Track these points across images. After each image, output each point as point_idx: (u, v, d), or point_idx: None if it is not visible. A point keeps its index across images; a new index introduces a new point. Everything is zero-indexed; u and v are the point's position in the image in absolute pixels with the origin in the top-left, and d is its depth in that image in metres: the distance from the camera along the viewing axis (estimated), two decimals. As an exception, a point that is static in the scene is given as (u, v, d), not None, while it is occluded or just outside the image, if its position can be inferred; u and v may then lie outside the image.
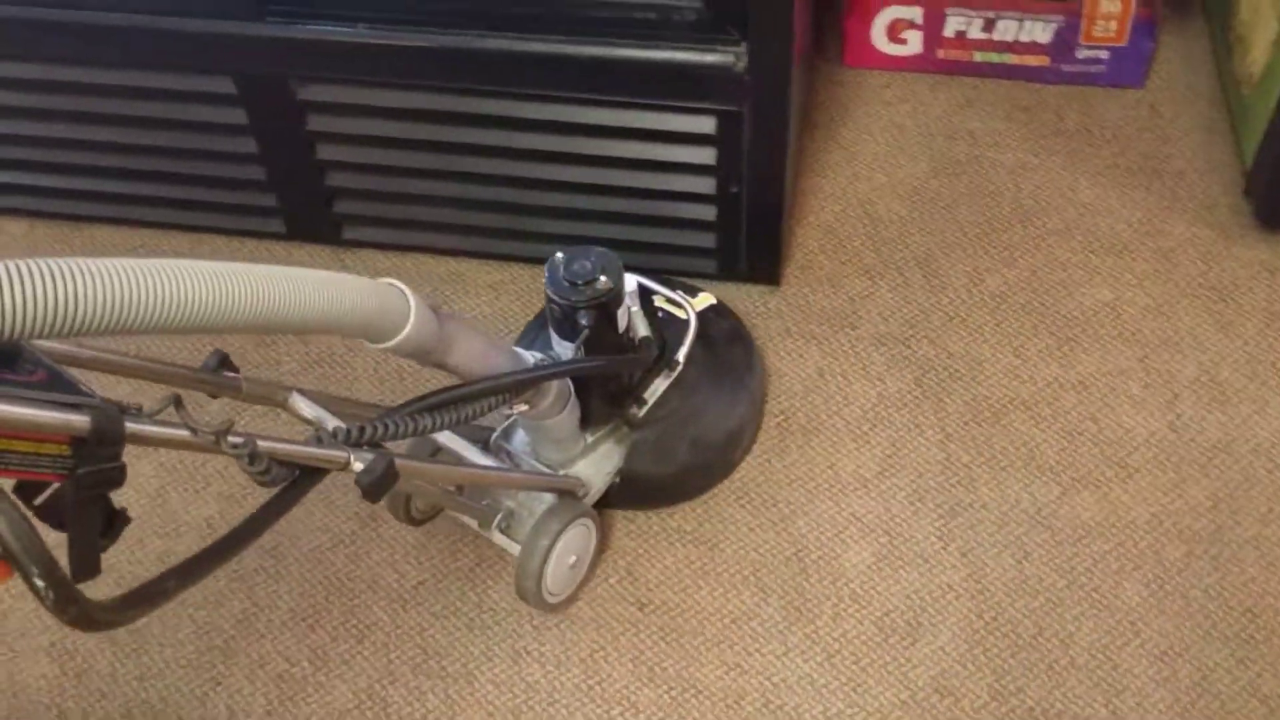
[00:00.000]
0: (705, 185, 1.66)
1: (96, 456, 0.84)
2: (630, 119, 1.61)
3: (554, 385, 1.37)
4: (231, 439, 0.93)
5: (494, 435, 1.53)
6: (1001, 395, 1.65)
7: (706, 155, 1.62)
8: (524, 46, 1.54)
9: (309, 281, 0.95)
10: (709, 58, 1.51)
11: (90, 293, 0.75)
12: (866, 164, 1.91)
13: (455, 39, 1.55)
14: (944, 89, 1.99)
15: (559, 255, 1.37)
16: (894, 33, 1.96)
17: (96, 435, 0.82)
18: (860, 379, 1.68)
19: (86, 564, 0.87)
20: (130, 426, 0.86)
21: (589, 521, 1.47)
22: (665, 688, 1.44)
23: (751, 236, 1.72)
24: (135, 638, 1.50)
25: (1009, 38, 1.93)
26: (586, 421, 1.49)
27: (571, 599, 1.50)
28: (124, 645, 1.50)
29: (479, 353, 1.23)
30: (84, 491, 0.85)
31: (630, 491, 1.55)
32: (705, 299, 1.65)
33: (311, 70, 1.64)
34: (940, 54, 1.98)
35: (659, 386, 1.54)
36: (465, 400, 1.19)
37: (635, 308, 1.49)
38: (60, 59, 1.69)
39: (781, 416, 1.65)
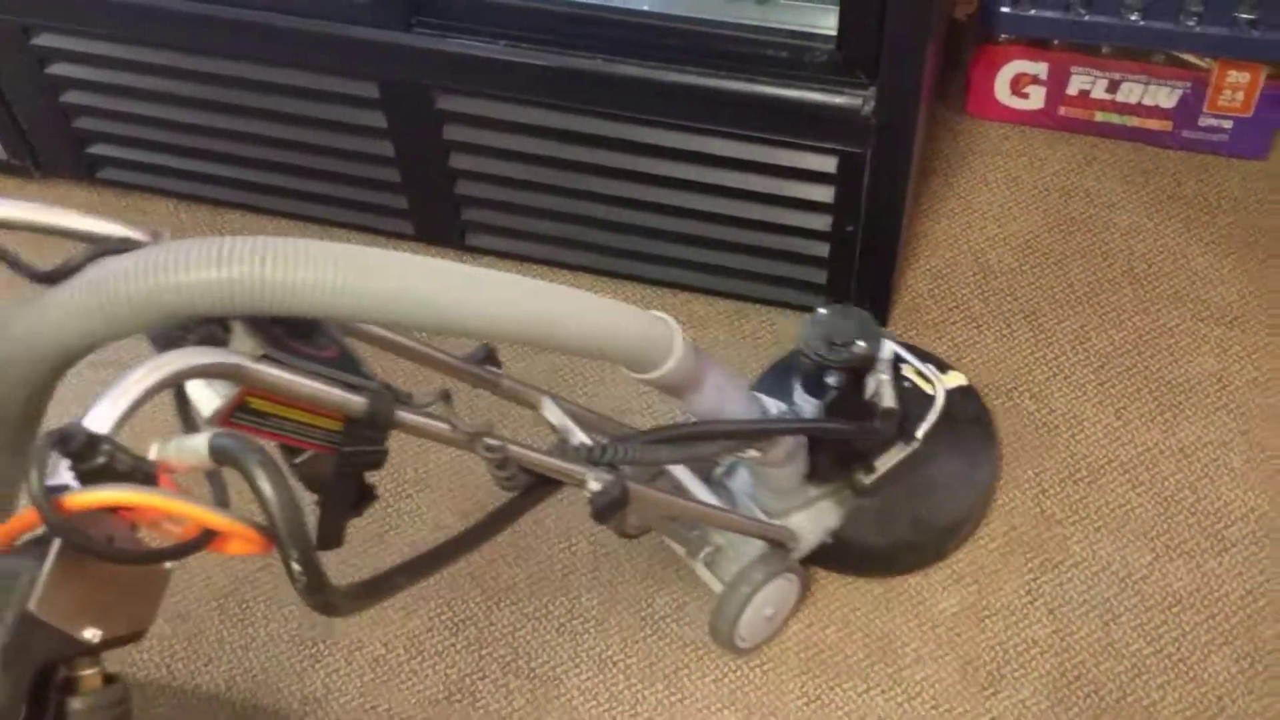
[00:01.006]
0: (822, 222, 1.63)
1: (365, 438, 0.86)
2: (754, 153, 1.58)
3: (788, 437, 1.32)
4: (488, 440, 0.94)
5: (718, 470, 1.47)
6: (1100, 456, 1.59)
7: (826, 194, 1.59)
8: (657, 75, 1.52)
9: (588, 304, 0.97)
10: (837, 99, 1.47)
11: (397, 289, 0.79)
12: (980, 214, 1.86)
13: (590, 62, 1.54)
14: (1063, 146, 1.93)
15: (821, 311, 1.33)
16: (1017, 86, 1.91)
17: (370, 418, 0.85)
18: (959, 426, 1.63)
19: (332, 535, 0.90)
20: (400, 415, 0.88)
21: (794, 576, 1.40)
22: (746, 712, 1.40)
23: (862, 276, 1.68)
24: (244, 609, 1.50)
25: (1133, 100, 1.86)
26: (812, 476, 1.42)
27: (759, 648, 1.45)
28: (232, 614, 1.50)
29: (723, 396, 1.19)
30: (347, 467, 0.87)
31: (840, 555, 1.47)
32: (956, 378, 1.58)
33: (451, 82, 1.63)
34: (1062, 111, 1.91)
35: (893, 458, 1.46)
36: (704, 438, 1.20)
37: (886, 376, 1.38)
38: (221, 53, 1.71)
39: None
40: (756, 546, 1.37)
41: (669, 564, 1.51)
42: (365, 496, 0.92)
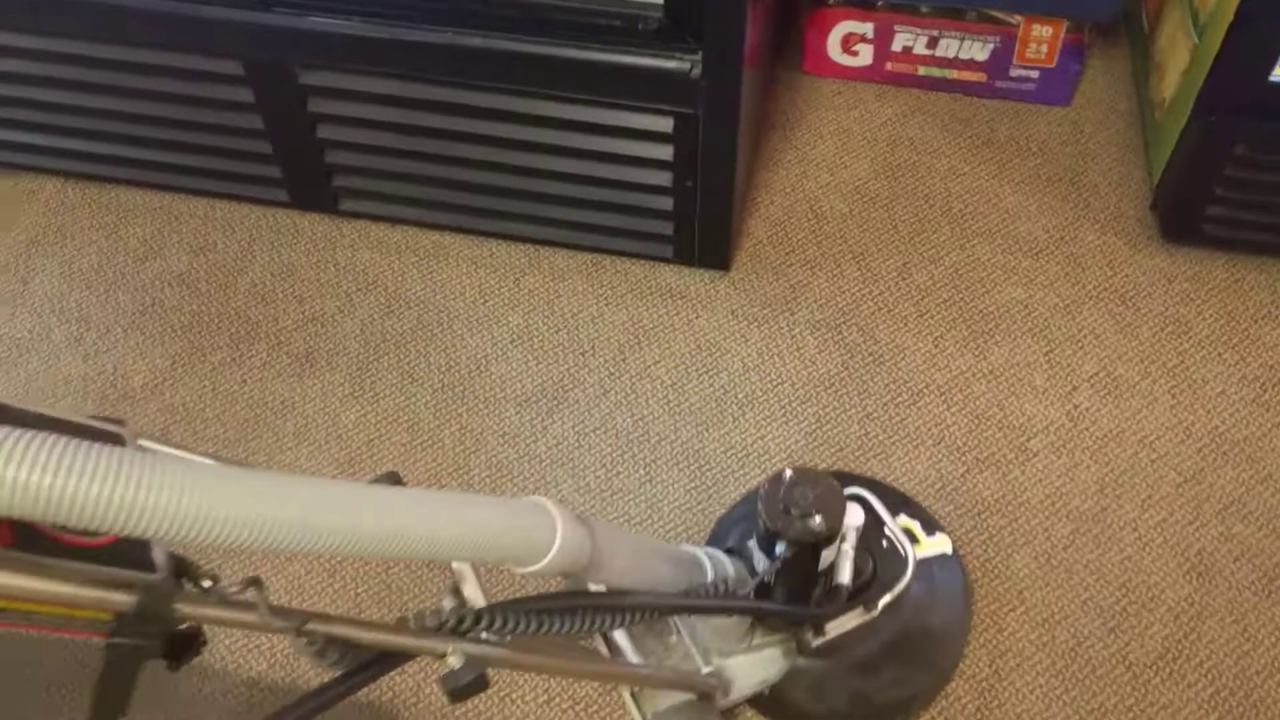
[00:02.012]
0: (663, 178, 1.69)
1: (137, 632, 0.74)
2: (597, 115, 1.63)
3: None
4: (308, 628, 0.81)
5: None
6: (919, 381, 1.68)
7: (665, 152, 1.65)
8: (502, 45, 1.56)
9: (449, 507, 0.82)
10: (668, 64, 1.53)
11: (213, 509, 0.64)
12: (815, 164, 1.93)
13: (439, 35, 1.57)
14: (890, 99, 2.01)
15: (788, 473, 1.16)
16: (847, 45, 1.98)
17: (139, 614, 0.73)
18: (794, 359, 1.71)
19: None
20: (184, 609, 0.76)
21: None
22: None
23: (704, 226, 1.75)
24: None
25: (950, 54, 1.94)
26: (758, 623, 1.29)
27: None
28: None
29: (638, 565, 1.05)
30: (117, 660, 0.76)
31: (774, 710, 1.36)
32: (940, 544, 1.44)
33: (312, 58, 1.66)
34: (888, 66, 1.99)
35: (847, 623, 1.30)
36: (602, 610, 1.01)
37: (849, 546, 1.22)
38: (91, 36, 1.71)
39: (723, 390, 1.68)
40: (683, 693, 1.25)
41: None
42: (186, 649, 0.80)
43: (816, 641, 1.29)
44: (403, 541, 0.77)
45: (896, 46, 1.96)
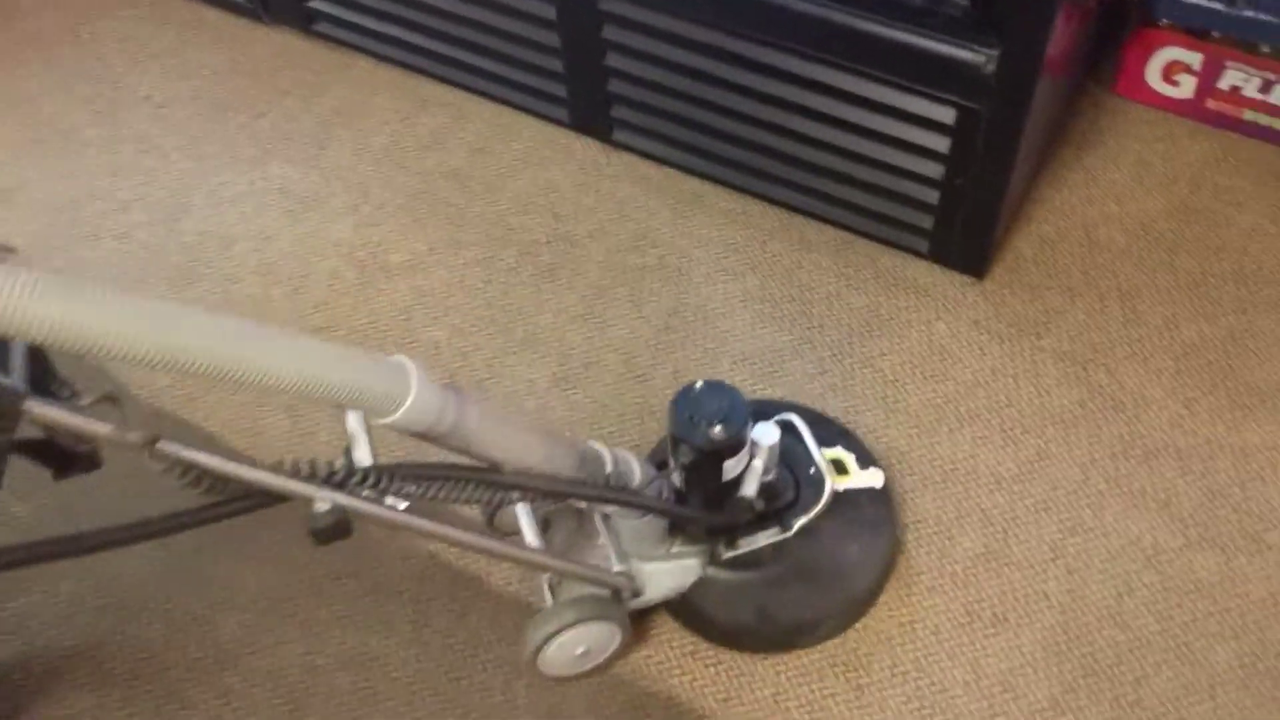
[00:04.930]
0: (934, 171, 1.56)
1: None
2: (881, 94, 1.52)
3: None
4: (159, 448, 0.82)
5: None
6: (1158, 439, 1.50)
7: (941, 144, 1.52)
8: (801, 7, 1.48)
9: (309, 348, 0.84)
10: (962, 54, 1.40)
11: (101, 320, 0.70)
12: (1103, 190, 1.75)
13: (743, -14, 1.51)
14: (1203, 138, 1.79)
15: (698, 384, 1.16)
16: (1169, 73, 1.78)
17: None
18: (1029, 385, 1.56)
19: None
20: (34, 409, 0.78)
21: (617, 628, 1.28)
22: None
23: (967, 228, 1.62)
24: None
25: (1284, 103, 1.72)
26: (679, 533, 1.30)
27: (571, 680, 1.35)
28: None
29: (518, 443, 1.05)
30: None
31: (685, 616, 1.37)
32: (871, 478, 1.38)
33: (616, -15, 1.63)
34: (1209, 104, 1.78)
35: (760, 539, 1.30)
36: (475, 483, 1.03)
37: (758, 463, 1.22)
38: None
39: (944, 398, 1.56)
40: (599, 587, 1.26)
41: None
42: (73, 464, 0.83)
43: (728, 554, 1.30)
44: (262, 367, 0.79)
45: (1224, 84, 1.74)
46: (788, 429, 1.33)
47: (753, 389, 1.58)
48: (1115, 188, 1.75)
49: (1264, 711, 1.29)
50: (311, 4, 2.00)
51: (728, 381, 1.17)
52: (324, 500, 0.92)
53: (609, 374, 1.61)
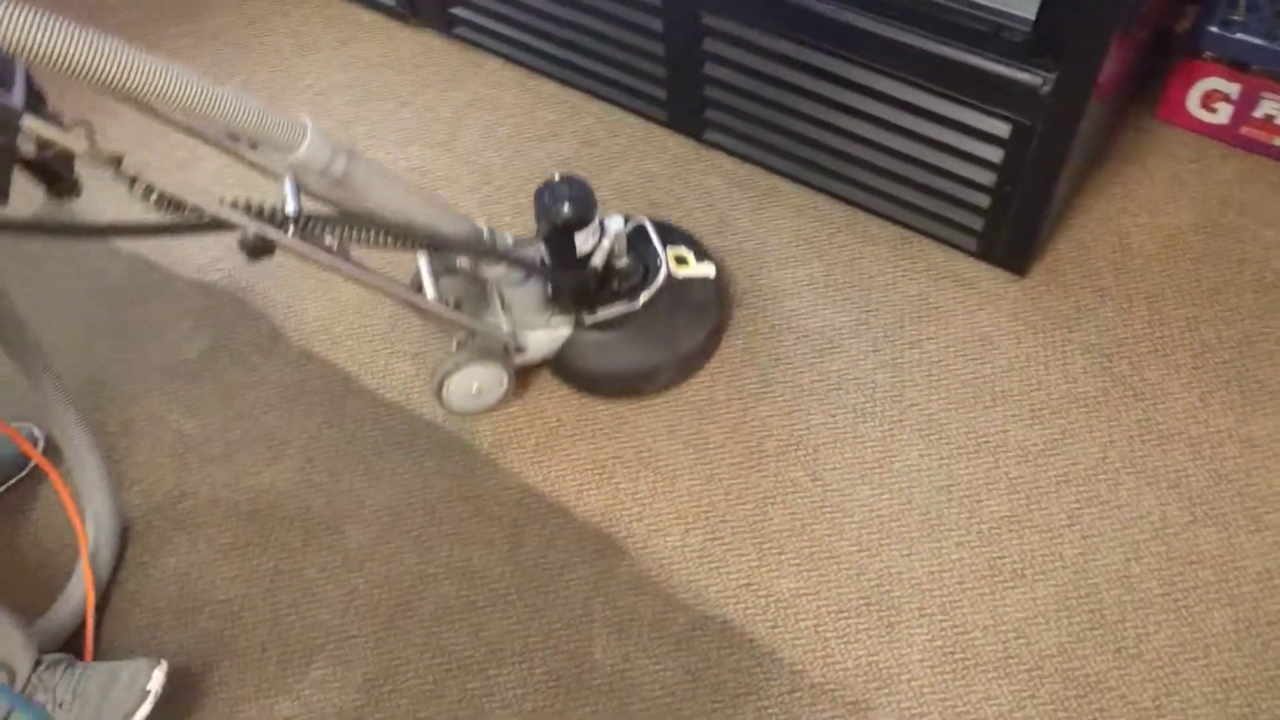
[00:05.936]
0: (986, 178, 1.56)
1: None
2: (943, 107, 1.52)
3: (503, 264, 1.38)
4: (126, 171, 0.95)
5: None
6: (1173, 426, 1.49)
7: (994, 154, 1.52)
8: (884, 31, 1.48)
9: (236, 94, 0.97)
10: (1020, 75, 1.40)
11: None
12: (1138, 202, 1.73)
13: (835, 11, 1.51)
14: (1235, 161, 1.75)
15: (557, 175, 1.40)
16: (1207, 101, 1.74)
17: None
18: (1058, 372, 1.56)
19: None
20: (28, 123, 0.89)
21: (504, 373, 1.51)
22: (811, 549, 1.44)
23: (1013, 231, 1.61)
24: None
25: (1314, 133, 1.67)
26: (552, 304, 1.50)
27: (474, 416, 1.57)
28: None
29: (407, 203, 1.22)
30: None
31: (557, 369, 1.59)
32: (705, 269, 1.59)
33: (719, 5, 1.64)
34: (1243, 130, 1.74)
35: (614, 310, 1.52)
36: (369, 226, 1.20)
37: (607, 243, 1.45)
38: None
39: (982, 379, 1.57)
40: (489, 340, 1.47)
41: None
42: (64, 186, 0.94)
43: (589, 320, 1.52)
44: (200, 104, 0.91)
45: (1259, 113, 1.70)
46: (640, 230, 1.57)
47: (810, 361, 1.60)
48: (1150, 201, 1.73)
49: (1254, 670, 1.29)
50: (453, 10, 2.05)
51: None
52: (256, 228, 1.08)
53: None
